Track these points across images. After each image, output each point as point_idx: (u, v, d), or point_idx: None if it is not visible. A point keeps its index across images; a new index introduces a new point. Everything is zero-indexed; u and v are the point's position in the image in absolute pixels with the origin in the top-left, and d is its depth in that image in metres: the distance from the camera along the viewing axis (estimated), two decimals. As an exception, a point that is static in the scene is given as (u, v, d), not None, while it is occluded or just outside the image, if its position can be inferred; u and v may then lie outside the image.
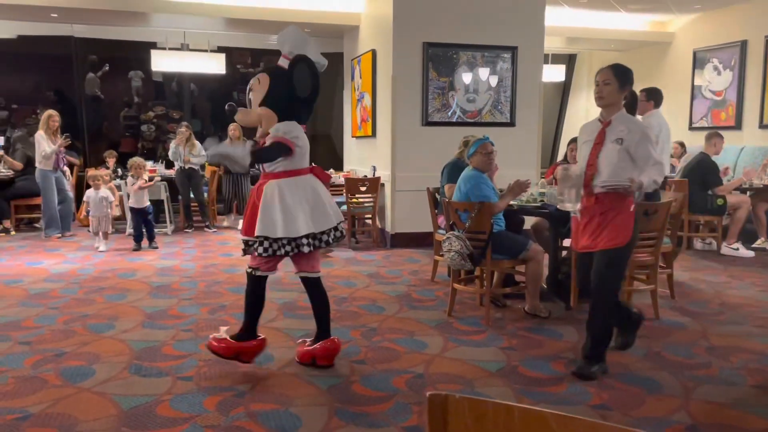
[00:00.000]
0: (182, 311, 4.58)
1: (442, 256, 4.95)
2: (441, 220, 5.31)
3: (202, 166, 8.65)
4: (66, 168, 8.11)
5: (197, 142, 8.47)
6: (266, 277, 3.48)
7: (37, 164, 7.72)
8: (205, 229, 8.59)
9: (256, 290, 3.48)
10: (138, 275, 5.78)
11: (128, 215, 8.19)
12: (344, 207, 7.38)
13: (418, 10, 7.11)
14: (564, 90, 12.14)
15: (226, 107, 3.34)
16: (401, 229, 7.29)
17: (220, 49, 9.95)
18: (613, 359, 3.61)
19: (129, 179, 7.19)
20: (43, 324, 4.22)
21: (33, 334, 4.01)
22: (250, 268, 3.46)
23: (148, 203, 7.17)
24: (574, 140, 5.36)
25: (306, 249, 3.31)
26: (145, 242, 7.10)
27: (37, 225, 8.64)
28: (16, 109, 10.61)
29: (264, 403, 3.02)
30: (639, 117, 5.63)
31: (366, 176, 7.66)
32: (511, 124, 7.50)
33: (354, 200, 7.34)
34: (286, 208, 3.25)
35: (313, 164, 3.52)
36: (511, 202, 4.55)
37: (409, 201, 7.15)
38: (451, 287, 4.51)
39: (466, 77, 7.34)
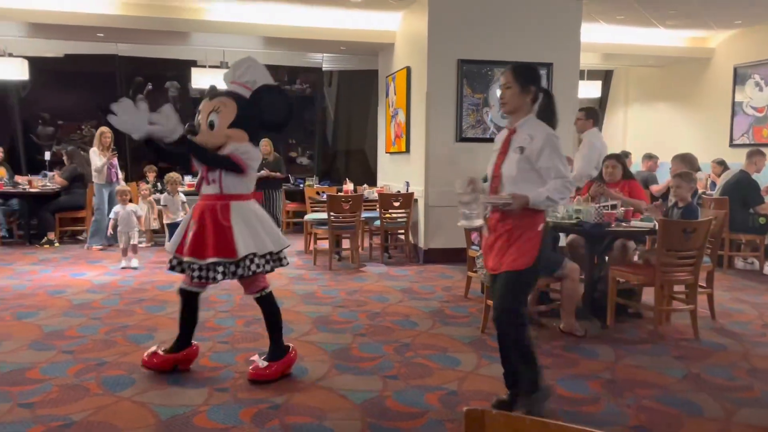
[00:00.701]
0: (219, 323, 4.66)
1: (475, 272, 4.95)
2: (475, 235, 5.29)
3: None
4: (122, 181, 8.38)
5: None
6: (199, 293, 3.65)
7: (93, 179, 8.07)
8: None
9: (191, 306, 3.65)
10: (176, 287, 5.88)
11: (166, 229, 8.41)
12: (377, 222, 7.44)
13: (453, 28, 7.16)
14: (600, 106, 12.02)
15: (186, 127, 3.39)
16: (434, 245, 7.29)
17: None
18: (651, 380, 3.54)
19: (165, 194, 7.38)
20: (86, 334, 4.34)
21: (75, 343, 4.13)
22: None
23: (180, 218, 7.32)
24: (610, 157, 5.31)
25: (285, 262, 3.63)
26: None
27: (80, 237, 8.89)
28: (62, 125, 10.99)
29: (298, 416, 3.05)
30: (579, 134, 5.95)
31: (399, 191, 7.70)
32: (546, 140, 7.45)
33: (387, 215, 7.38)
34: (260, 226, 3.46)
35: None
36: (546, 219, 4.52)
37: (443, 216, 7.16)
38: (485, 303, 4.49)
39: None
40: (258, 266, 3.42)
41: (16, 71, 8.98)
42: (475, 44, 7.21)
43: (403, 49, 8.35)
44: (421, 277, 6.50)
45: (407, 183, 7.78)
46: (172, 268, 3.57)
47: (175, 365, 3.59)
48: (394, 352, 4.04)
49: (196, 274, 3.39)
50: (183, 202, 7.41)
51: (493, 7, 7.22)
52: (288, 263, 3.72)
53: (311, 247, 7.54)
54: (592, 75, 11.05)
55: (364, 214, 7.38)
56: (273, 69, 11.32)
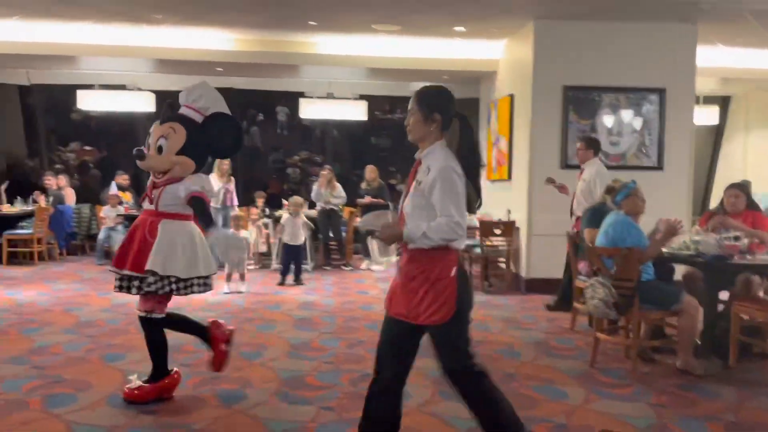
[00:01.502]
0: (323, 344, 4.78)
1: (582, 303, 4.78)
2: (582, 265, 5.14)
3: (340, 207, 9.07)
4: (236, 206, 8.88)
5: (338, 185, 8.93)
6: (163, 319, 3.51)
7: (211, 202, 8.59)
8: (342, 267, 8.93)
9: (156, 335, 3.52)
10: (283, 308, 6.12)
11: (273, 250, 8.76)
12: (477, 249, 7.37)
13: (559, 54, 7.07)
14: (717, 133, 11.36)
15: (134, 152, 3.40)
16: (537, 275, 7.12)
17: (361, 97, 10.49)
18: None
19: (286, 216, 7.65)
20: (201, 349, 4.58)
21: (193, 357, 4.37)
22: (144, 312, 3.46)
23: (302, 241, 7.57)
24: (732, 186, 5.00)
25: (196, 290, 3.47)
26: (289, 277, 7.49)
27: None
28: (182, 154, 11.84)
29: (403, 439, 3.06)
30: (581, 165, 6.02)
31: (500, 219, 7.61)
32: (659, 167, 7.14)
33: (488, 243, 7.31)
34: (188, 247, 3.42)
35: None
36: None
37: (546, 245, 6.99)
38: (594, 336, 4.32)
39: (609, 120, 7.14)
40: (154, 287, 3.35)
41: (144, 104, 9.81)
42: (582, 70, 7.07)
43: (507, 76, 8.33)
44: (523, 307, 6.36)
45: (509, 211, 7.67)
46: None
47: (160, 395, 3.51)
48: (498, 381, 3.94)
49: (116, 283, 3.46)
50: (305, 223, 7.66)
51: (600, 33, 7.06)
52: (204, 291, 3.56)
53: (411, 273, 7.56)
54: (709, 101, 10.47)
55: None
56: (375, 99, 11.65)
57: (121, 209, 9.19)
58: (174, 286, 3.39)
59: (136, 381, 3.52)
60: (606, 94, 7.09)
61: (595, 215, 4.99)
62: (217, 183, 8.49)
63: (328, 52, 8.75)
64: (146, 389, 3.48)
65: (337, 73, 9.64)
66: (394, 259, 2.79)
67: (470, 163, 2.62)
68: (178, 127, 3.43)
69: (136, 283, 3.38)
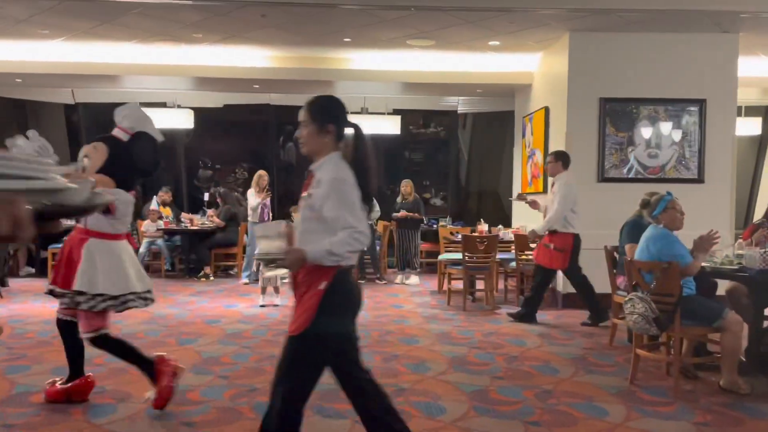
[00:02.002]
0: (358, 358, 4.78)
1: (621, 318, 4.69)
2: (621, 280, 5.05)
3: (375, 221, 9.09)
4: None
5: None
6: (74, 322, 3.61)
7: (249, 217, 8.72)
8: (377, 281, 8.95)
9: (68, 335, 3.65)
10: (317, 321, 6.16)
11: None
12: (513, 263, 7.30)
13: (595, 67, 7.01)
14: (760, 144, 11.05)
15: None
16: (574, 289, 6.99)
17: (395, 112, 10.55)
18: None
19: None
20: (238, 361, 4.66)
21: (229, 369, 4.43)
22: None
23: None
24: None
25: (133, 305, 3.53)
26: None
27: (231, 272, 9.59)
28: (219, 169, 12.05)
29: (438, 454, 3.04)
30: (551, 178, 6.16)
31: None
32: (699, 180, 6.98)
33: (523, 257, 7.23)
34: (116, 266, 3.48)
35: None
36: (703, 264, 4.21)
37: (583, 259, 6.86)
38: (633, 353, 4.23)
39: (647, 132, 7.02)
40: (86, 305, 3.41)
41: (184, 120, 10.06)
42: (619, 82, 6.99)
43: (542, 89, 8.28)
44: (561, 322, 6.26)
45: (545, 224, 7.58)
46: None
47: (67, 396, 3.65)
48: (535, 397, 3.91)
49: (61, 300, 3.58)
50: None
51: (637, 44, 6.98)
52: (144, 305, 3.63)
53: (445, 287, 7.55)
54: (751, 111, 10.20)
55: (499, 255, 7.29)
56: (409, 113, 11.68)
57: (161, 224, 9.40)
58: (108, 303, 3.45)
59: (57, 384, 3.68)
60: (644, 105, 6.99)
61: (634, 229, 4.91)
62: (255, 199, 8.60)
63: (362, 68, 8.85)
64: (57, 389, 3.66)
65: (372, 88, 9.73)
66: (282, 271, 2.71)
67: (362, 172, 2.51)
68: (99, 146, 3.55)
69: (66, 299, 3.51)
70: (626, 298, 4.14)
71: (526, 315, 6.18)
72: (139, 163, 3.60)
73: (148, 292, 3.63)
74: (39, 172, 1.11)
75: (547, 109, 7.79)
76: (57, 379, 3.77)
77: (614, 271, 5.25)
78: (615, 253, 5.36)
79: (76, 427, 3.32)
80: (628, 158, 7.03)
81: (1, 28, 7.32)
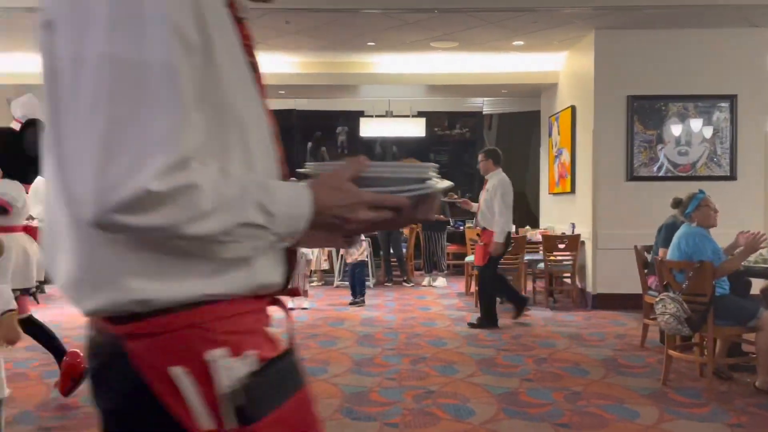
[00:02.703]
0: (386, 360, 4.81)
1: (653, 319, 4.62)
2: (652, 280, 4.97)
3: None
4: None
5: (398, 201, 8.96)
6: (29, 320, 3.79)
7: None
8: (404, 283, 8.96)
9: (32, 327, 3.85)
10: (345, 324, 6.20)
11: (335, 267, 8.89)
12: (541, 265, 7.25)
13: (621, 64, 6.92)
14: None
15: None
16: (604, 290, 6.92)
17: (420, 114, 10.56)
18: None
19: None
20: (268, 364, 4.70)
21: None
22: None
23: (361, 258, 7.53)
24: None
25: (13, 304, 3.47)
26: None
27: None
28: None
29: (468, 457, 3.04)
30: (484, 176, 6.22)
31: (564, 233, 7.46)
32: (732, 177, 6.84)
33: (552, 258, 7.17)
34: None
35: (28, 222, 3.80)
36: None
37: (613, 260, 6.80)
38: (666, 354, 4.17)
39: (676, 129, 6.91)
40: None
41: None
42: (647, 79, 6.89)
43: (568, 88, 8.21)
44: (590, 324, 6.19)
45: (573, 225, 7.52)
46: None
47: (71, 379, 3.71)
48: (565, 399, 3.88)
49: None
50: (362, 240, 7.59)
51: (665, 41, 6.87)
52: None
53: (472, 289, 7.52)
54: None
55: (527, 257, 7.24)
56: (434, 115, 11.67)
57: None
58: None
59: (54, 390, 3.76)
60: (673, 103, 6.88)
61: (669, 232, 4.81)
62: None
63: (386, 71, 8.87)
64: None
65: (396, 91, 9.76)
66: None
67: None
68: None
69: None
70: (657, 299, 4.08)
71: (486, 320, 6.02)
72: (28, 151, 3.49)
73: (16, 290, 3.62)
74: None
75: (573, 108, 7.72)
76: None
77: (645, 271, 5.18)
78: (645, 253, 5.29)
79: (111, 430, 3.39)
80: (658, 156, 6.93)
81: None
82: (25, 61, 8.40)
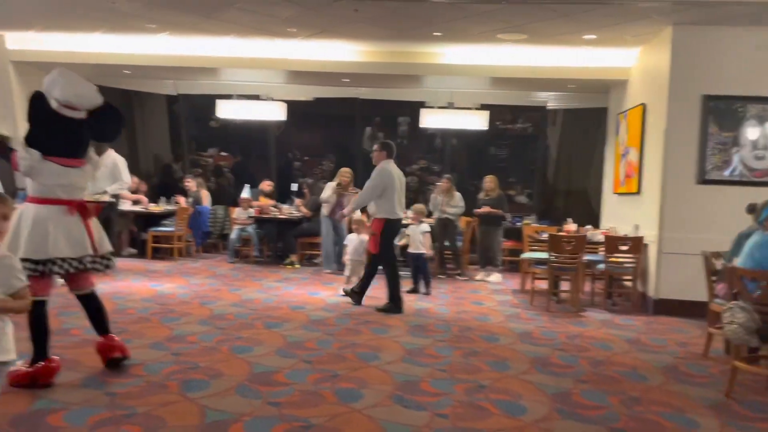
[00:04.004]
0: (437, 352, 4.80)
1: (719, 328, 4.44)
2: (721, 287, 4.78)
3: (457, 216, 9.02)
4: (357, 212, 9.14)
5: (457, 194, 8.91)
6: (44, 302, 3.67)
7: (323, 210, 8.91)
8: (457, 276, 8.91)
9: (37, 318, 3.63)
10: (398, 313, 6.22)
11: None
12: (601, 266, 7.06)
13: (699, 62, 6.63)
14: None
15: None
16: (667, 295, 6.69)
17: (483, 107, 10.42)
18: None
19: (411, 227, 7.66)
20: (321, 347, 4.78)
21: (313, 354, 4.56)
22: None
23: (425, 250, 7.46)
24: None
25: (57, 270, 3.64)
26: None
27: (316, 261, 9.85)
28: (307, 161, 12.37)
29: (518, 453, 3.01)
30: (376, 165, 6.51)
31: (627, 235, 7.24)
32: (812, 185, 6.47)
33: (613, 259, 6.97)
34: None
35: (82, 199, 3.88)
36: None
37: (678, 265, 6.56)
38: (732, 365, 4.00)
39: (754, 132, 6.58)
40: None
41: (277, 113, 10.40)
42: (724, 79, 6.58)
43: (639, 85, 7.93)
44: (651, 329, 6.00)
45: (636, 226, 7.29)
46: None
47: (34, 380, 3.57)
48: (621, 404, 3.78)
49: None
50: (425, 233, 7.49)
51: (746, 38, 6.53)
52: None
53: (528, 286, 7.41)
54: None
55: (587, 257, 7.07)
56: (497, 108, 11.49)
57: (252, 211, 9.76)
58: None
59: (19, 365, 3.52)
60: (752, 104, 6.55)
61: (745, 240, 4.61)
62: (328, 191, 8.70)
63: (451, 62, 8.80)
64: (21, 373, 3.55)
65: (459, 82, 9.66)
66: None
67: None
68: None
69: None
70: (726, 307, 3.92)
71: (355, 294, 6.57)
72: (28, 121, 3.84)
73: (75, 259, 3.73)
74: None
75: (644, 106, 7.45)
76: (21, 362, 3.57)
77: (713, 278, 4.98)
78: (714, 260, 5.07)
79: (171, 399, 3.53)
80: (732, 160, 6.62)
81: (112, 23, 7.83)
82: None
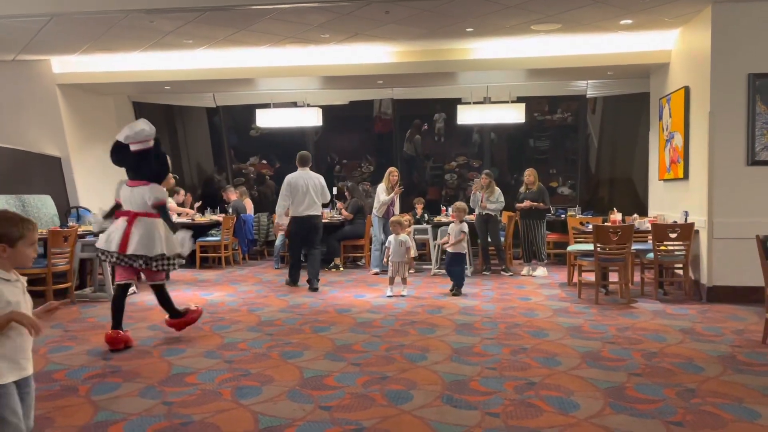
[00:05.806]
0: (485, 350, 4.78)
1: (778, 314, 4.29)
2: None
3: (500, 212, 8.95)
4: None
5: (497, 189, 8.84)
6: (124, 285, 5.08)
7: (374, 211, 8.99)
8: (501, 272, 8.83)
9: (118, 297, 5.04)
10: (443, 312, 6.21)
11: (432, 256, 8.92)
12: (650, 255, 6.90)
13: (742, 40, 6.42)
14: None
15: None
16: (720, 282, 6.50)
17: (519, 99, 10.30)
18: None
19: (451, 225, 7.62)
20: (369, 349, 4.82)
21: (361, 357, 4.60)
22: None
23: (465, 249, 7.43)
24: None
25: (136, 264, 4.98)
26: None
27: (359, 263, 9.90)
28: (345, 164, 12.45)
29: (572, 451, 2.97)
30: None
31: (676, 222, 7.06)
32: None
33: (662, 248, 6.81)
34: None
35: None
36: None
37: (731, 250, 6.36)
38: (792, 352, 3.86)
39: (806, 108, 6.32)
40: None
41: (313, 119, 10.51)
42: (771, 55, 6.35)
43: (680, 67, 7.72)
44: (705, 318, 5.83)
45: (686, 213, 7.09)
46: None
47: (109, 343, 4.80)
48: (677, 396, 3.69)
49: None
50: (461, 232, 7.36)
51: (794, 11, 6.29)
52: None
53: (575, 279, 7.30)
54: None
55: (635, 246, 6.92)
56: (533, 100, 11.38)
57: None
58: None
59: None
60: (802, 79, 6.30)
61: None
62: (386, 194, 8.82)
63: (484, 57, 8.74)
64: (107, 333, 4.90)
65: (494, 76, 9.58)
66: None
67: None
68: None
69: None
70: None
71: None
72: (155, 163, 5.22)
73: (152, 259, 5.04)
74: None
75: (687, 89, 7.25)
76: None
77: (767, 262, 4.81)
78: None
79: (226, 407, 3.61)
80: (784, 138, 6.38)
81: (151, 41, 8.06)
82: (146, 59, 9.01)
